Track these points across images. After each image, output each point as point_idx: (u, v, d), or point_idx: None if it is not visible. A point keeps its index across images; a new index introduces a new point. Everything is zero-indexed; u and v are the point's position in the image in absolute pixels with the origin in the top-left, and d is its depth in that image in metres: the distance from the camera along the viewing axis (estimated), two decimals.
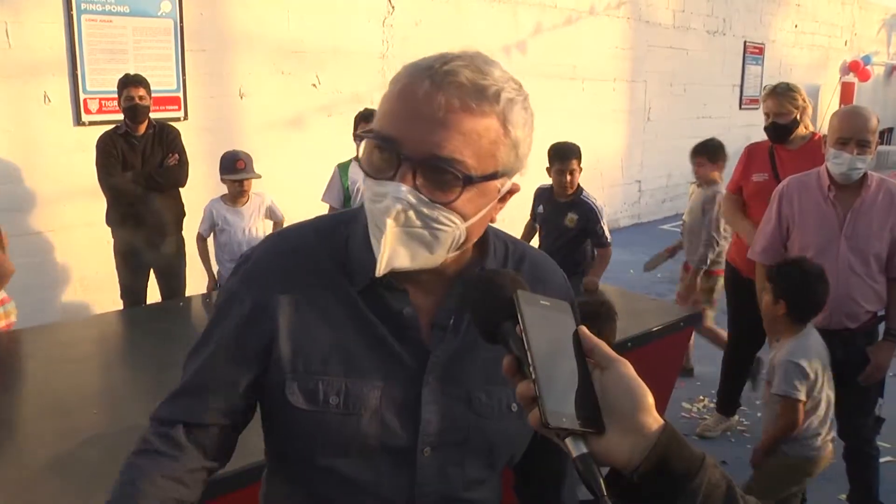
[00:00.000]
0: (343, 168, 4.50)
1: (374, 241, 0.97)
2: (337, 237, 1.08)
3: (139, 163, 4.46)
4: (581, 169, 3.98)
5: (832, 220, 2.89)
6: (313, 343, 1.04)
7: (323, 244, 1.08)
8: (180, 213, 4.71)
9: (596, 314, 2.61)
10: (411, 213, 0.93)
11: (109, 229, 4.64)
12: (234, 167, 4.17)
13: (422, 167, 0.92)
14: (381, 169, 0.94)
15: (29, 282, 4.85)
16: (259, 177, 4.30)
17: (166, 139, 4.55)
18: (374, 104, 5.72)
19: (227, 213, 4.22)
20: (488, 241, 1.10)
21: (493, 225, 1.10)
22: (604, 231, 3.93)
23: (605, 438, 0.71)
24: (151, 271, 4.74)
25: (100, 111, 5.00)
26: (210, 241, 4.39)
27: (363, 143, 0.98)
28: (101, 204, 4.75)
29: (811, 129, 3.69)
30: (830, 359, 2.88)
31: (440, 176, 0.92)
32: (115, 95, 4.51)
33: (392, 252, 0.95)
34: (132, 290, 4.64)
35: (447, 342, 1.06)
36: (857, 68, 13.23)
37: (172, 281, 4.69)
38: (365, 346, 1.04)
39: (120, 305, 4.94)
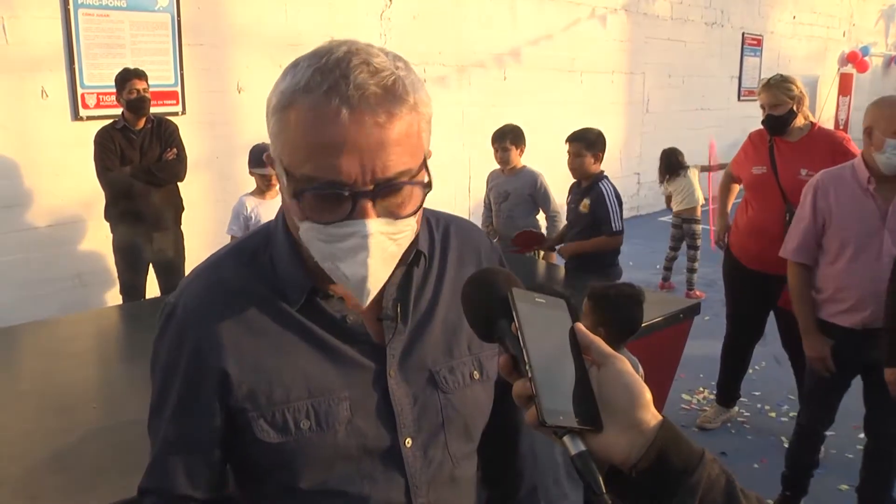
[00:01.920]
0: None
1: (354, 282, 0.94)
2: (260, 260, 1.05)
3: (137, 157, 4.46)
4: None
5: (873, 212, 2.75)
6: (269, 374, 1.01)
7: (248, 271, 1.04)
8: (179, 208, 4.71)
9: (626, 297, 2.61)
10: (382, 239, 0.91)
11: (107, 224, 4.64)
12: (263, 161, 4.12)
13: (380, 194, 0.89)
14: (333, 211, 0.89)
15: (27, 277, 4.86)
16: None
17: (164, 133, 4.54)
18: None
19: (259, 206, 4.14)
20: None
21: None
22: (610, 219, 3.84)
23: (603, 435, 0.70)
24: (150, 266, 4.73)
25: (97, 106, 4.99)
26: None
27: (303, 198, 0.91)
28: (98, 199, 4.75)
29: (811, 118, 3.67)
30: (868, 358, 2.80)
31: (396, 195, 0.91)
32: (113, 90, 4.50)
33: (376, 281, 0.94)
34: (131, 285, 4.64)
35: (399, 332, 1.06)
36: (855, 59, 13.21)
37: (171, 276, 4.67)
38: (321, 362, 1.03)
39: (118, 300, 4.94)
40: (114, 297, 5.15)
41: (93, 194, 5.00)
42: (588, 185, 3.92)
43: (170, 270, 4.69)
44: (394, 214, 0.91)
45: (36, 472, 1.92)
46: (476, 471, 1.19)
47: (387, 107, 0.87)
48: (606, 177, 3.95)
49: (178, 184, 4.66)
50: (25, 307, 4.76)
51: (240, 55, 5.71)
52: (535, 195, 4.56)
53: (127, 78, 4.39)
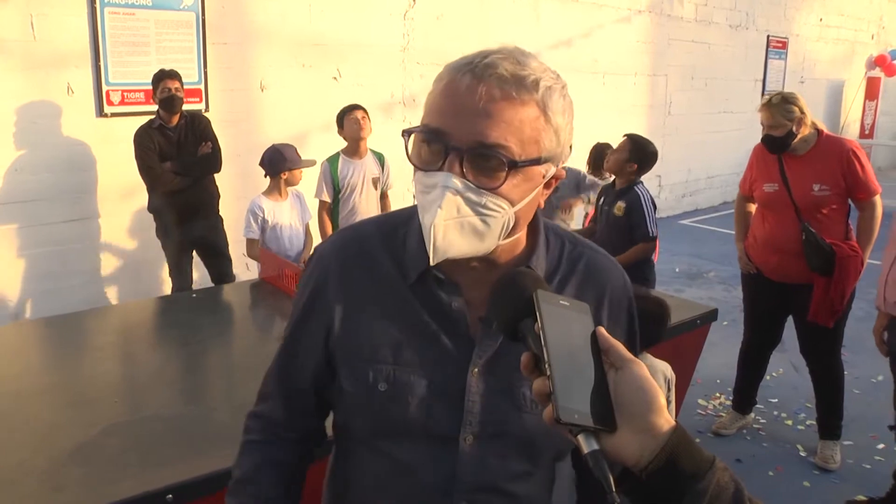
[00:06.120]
0: (332, 161, 4.68)
1: (425, 232, 0.99)
2: (396, 234, 1.13)
3: (174, 152, 4.62)
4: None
5: None
6: (365, 332, 1.10)
7: (383, 241, 1.13)
8: (216, 196, 4.89)
9: (652, 313, 2.61)
10: (461, 201, 0.96)
11: (131, 219, 4.71)
12: (298, 157, 4.25)
13: (468, 155, 0.95)
14: (430, 161, 0.98)
15: (49, 270, 4.94)
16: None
17: (198, 128, 4.73)
18: (395, 97, 5.78)
19: (274, 207, 4.19)
20: (539, 236, 1.12)
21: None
22: (645, 224, 3.83)
23: (617, 436, 0.73)
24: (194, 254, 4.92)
25: (122, 103, 5.05)
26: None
27: (411, 138, 1.02)
28: (122, 195, 4.82)
29: (819, 126, 3.53)
30: None
31: (486, 162, 0.95)
32: (138, 88, 4.64)
33: (445, 240, 0.98)
34: (179, 271, 4.80)
35: (492, 337, 1.08)
36: (883, 63, 13.01)
37: (218, 260, 4.87)
38: (414, 338, 1.09)
39: (140, 295, 5.01)
40: (135, 292, 5.22)
41: (116, 190, 5.08)
42: (623, 188, 3.93)
43: (215, 254, 4.86)
44: (479, 182, 0.96)
45: (60, 463, 1.96)
46: (547, 495, 1.19)
47: (506, 87, 0.94)
48: (642, 182, 3.96)
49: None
50: (48, 301, 4.84)
51: (263, 54, 5.76)
52: (581, 185, 4.70)
53: (160, 78, 4.58)
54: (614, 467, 0.72)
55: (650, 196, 3.91)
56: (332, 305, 1.13)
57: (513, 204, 0.99)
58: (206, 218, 4.79)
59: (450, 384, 1.08)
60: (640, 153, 3.92)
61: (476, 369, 1.08)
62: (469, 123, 0.94)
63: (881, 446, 3.76)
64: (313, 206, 4.63)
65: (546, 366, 0.74)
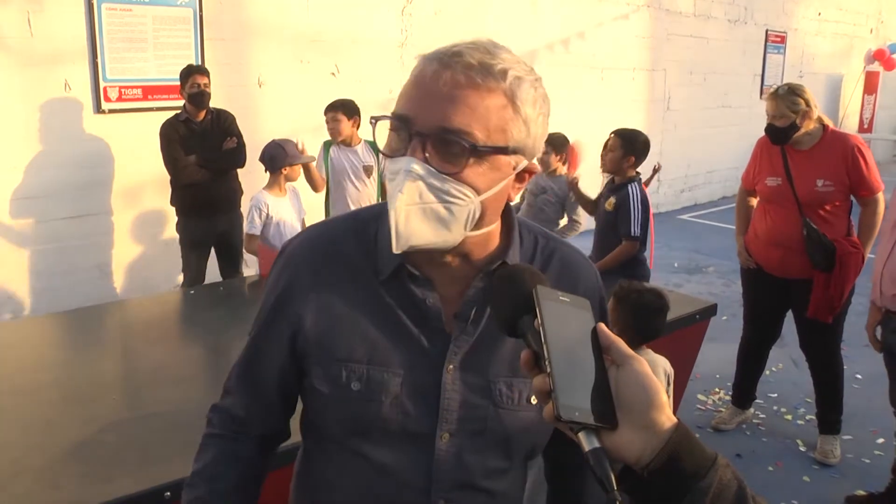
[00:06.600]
0: (326, 146, 4.88)
1: (389, 218, 0.97)
2: (368, 230, 1.11)
3: (199, 146, 4.65)
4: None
5: None
6: (338, 331, 1.08)
7: (355, 237, 1.11)
8: (238, 192, 4.92)
9: (651, 304, 2.60)
10: (423, 186, 0.95)
11: (134, 214, 4.69)
12: (298, 152, 4.30)
13: (431, 140, 0.94)
14: (396, 148, 0.98)
15: (48, 268, 4.92)
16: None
17: (224, 123, 4.77)
18: (393, 93, 5.72)
19: (279, 204, 4.19)
20: (513, 231, 1.11)
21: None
22: (630, 222, 3.77)
23: (618, 434, 0.72)
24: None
25: (119, 99, 5.04)
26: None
27: (379, 126, 1.02)
28: (121, 191, 4.79)
29: (826, 121, 3.53)
30: None
31: (449, 148, 0.94)
32: (135, 84, 4.66)
33: (408, 227, 0.96)
34: (195, 268, 4.82)
35: (468, 333, 1.07)
36: (882, 57, 13.01)
37: (232, 257, 4.89)
38: (388, 335, 1.07)
39: (139, 292, 5.00)
40: (134, 288, 5.21)
41: (114, 186, 5.06)
42: (619, 184, 3.91)
43: (231, 250, 4.87)
44: (442, 167, 0.95)
45: (57, 461, 1.95)
46: (520, 491, 1.19)
47: (472, 74, 0.94)
48: (639, 181, 3.91)
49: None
50: (47, 298, 4.84)
51: (261, 50, 5.75)
52: (566, 202, 4.65)
53: (190, 73, 4.62)
54: (615, 465, 0.71)
55: (642, 196, 3.83)
56: (304, 304, 1.09)
57: (478, 192, 0.97)
58: (227, 213, 4.82)
59: (425, 381, 1.06)
60: (631, 145, 3.90)
61: (451, 366, 1.06)
62: (433, 109, 0.94)
63: (881, 441, 3.76)
64: (307, 203, 4.65)
65: (546, 363, 0.73)
